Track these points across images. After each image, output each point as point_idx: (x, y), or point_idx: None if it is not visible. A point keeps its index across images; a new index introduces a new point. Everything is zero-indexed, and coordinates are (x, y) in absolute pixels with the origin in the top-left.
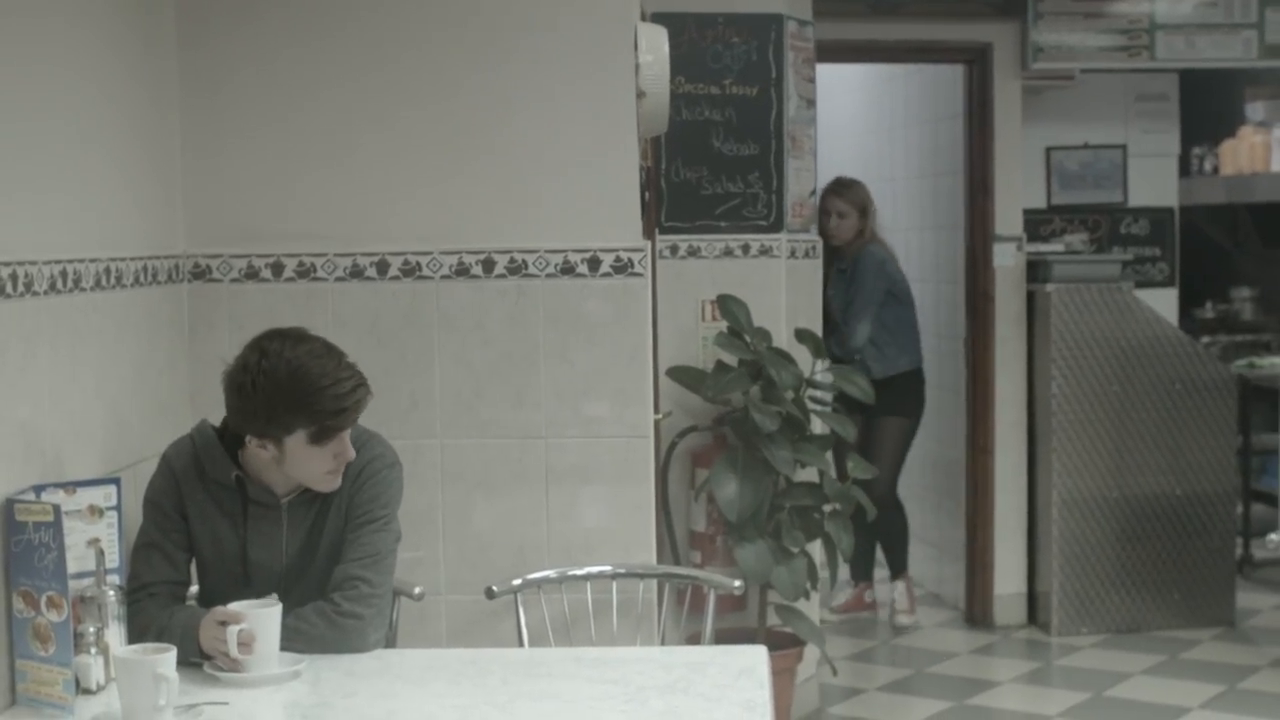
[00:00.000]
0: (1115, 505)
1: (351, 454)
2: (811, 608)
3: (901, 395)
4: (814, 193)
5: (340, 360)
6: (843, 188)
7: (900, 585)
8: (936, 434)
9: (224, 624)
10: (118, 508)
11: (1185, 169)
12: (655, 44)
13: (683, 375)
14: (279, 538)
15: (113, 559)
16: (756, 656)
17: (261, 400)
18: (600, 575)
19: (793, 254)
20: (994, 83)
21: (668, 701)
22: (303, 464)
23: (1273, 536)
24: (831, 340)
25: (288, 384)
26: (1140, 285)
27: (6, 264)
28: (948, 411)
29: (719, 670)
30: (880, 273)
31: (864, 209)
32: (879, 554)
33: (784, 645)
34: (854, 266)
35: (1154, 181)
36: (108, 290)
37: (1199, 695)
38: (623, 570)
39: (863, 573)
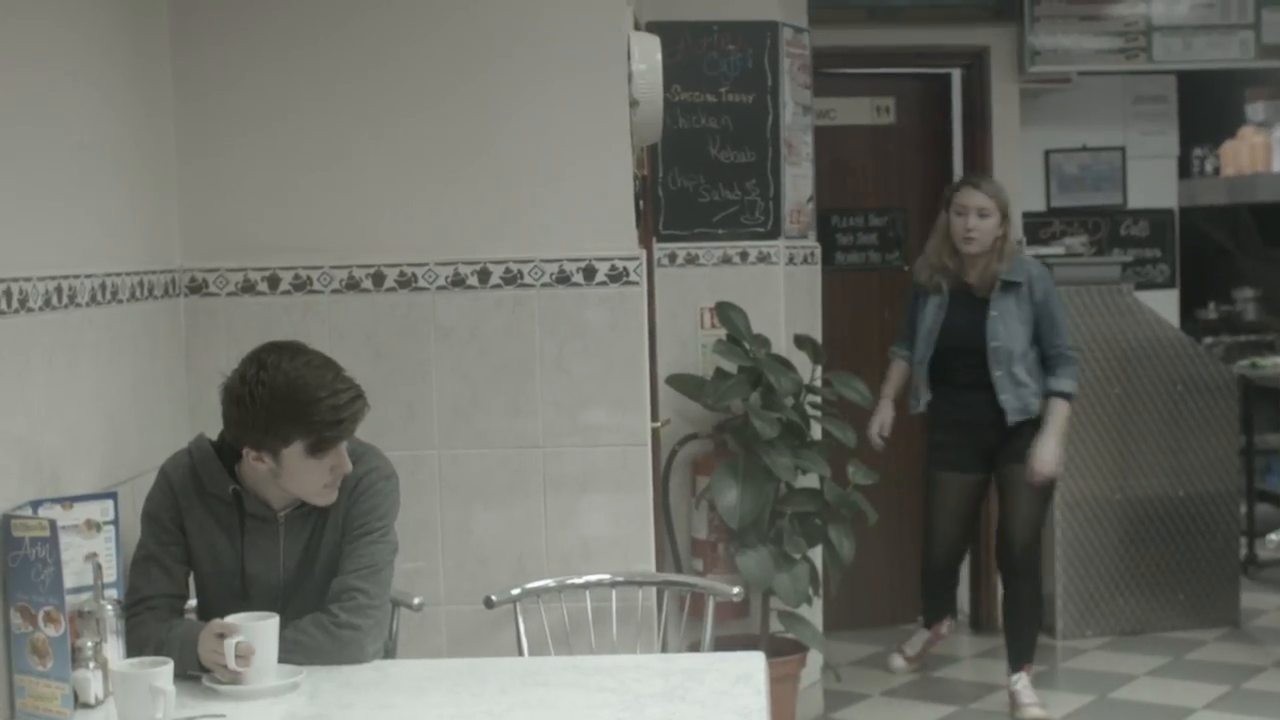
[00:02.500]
0: (1118, 507)
1: (348, 466)
2: (814, 613)
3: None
4: (811, 199)
5: (338, 373)
6: (981, 180)
7: (1023, 677)
8: None
9: (222, 636)
10: (115, 522)
11: (1186, 170)
12: (648, 53)
13: (682, 383)
14: (276, 551)
15: (110, 573)
16: (754, 663)
17: (259, 412)
18: (599, 584)
19: (791, 260)
20: (991, 86)
21: (665, 709)
22: (299, 477)
23: (1273, 536)
24: (1012, 379)
25: (285, 395)
26: (1141, 287)
27: (1, 280)
28: None
29: (716, 677)
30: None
31: (1006, 207)
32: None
33: (787, 651)
34: (1032, 285)
35: (1153, 183)
36: (104, 305)
37: (1204, 696)
38: (621, 578)
39: (936, 616)
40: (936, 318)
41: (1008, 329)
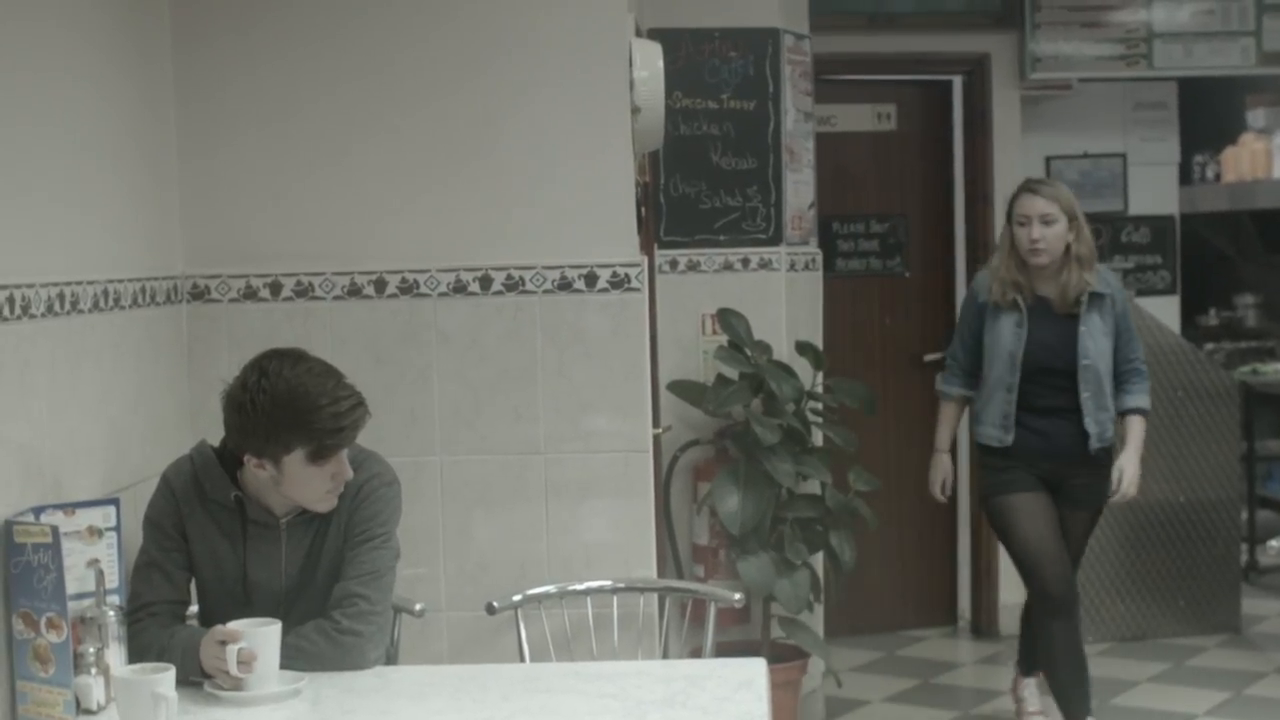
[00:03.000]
0: (1119, 512)
1: (349, 473)
2: (816, 619)
3: (1102, 474)
4: (812, 205)
5: (339, 380)
6: (1039, 184)
7: (1031, 683)
8: None
9: (224, 643)
10: (117, 528)
11: (1187, 176)
12: (650, 60)
13: (684, 389)
14: (278, 558)
15: (112, 579)
16: (755, 669)
17: (261, 418)
18: (601, 590)
19: (792, 266)
20: (993, 93)
21: (666, 715)
22: (300, 484)
23: (1273, 543)
24: (1097, 404)
25: (287, 402)
26: (1142, 293)
27: (4, 287)
28: None
29: (718, 683)
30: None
31: (1073, 210)
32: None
33: (788, 658)
34: (1114, 296)
35: (1154, 190)
36: (106, 312)
37: (1205, 702)
38: (623, 585)
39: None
40: (1017, 337)
41: (1097, 346)
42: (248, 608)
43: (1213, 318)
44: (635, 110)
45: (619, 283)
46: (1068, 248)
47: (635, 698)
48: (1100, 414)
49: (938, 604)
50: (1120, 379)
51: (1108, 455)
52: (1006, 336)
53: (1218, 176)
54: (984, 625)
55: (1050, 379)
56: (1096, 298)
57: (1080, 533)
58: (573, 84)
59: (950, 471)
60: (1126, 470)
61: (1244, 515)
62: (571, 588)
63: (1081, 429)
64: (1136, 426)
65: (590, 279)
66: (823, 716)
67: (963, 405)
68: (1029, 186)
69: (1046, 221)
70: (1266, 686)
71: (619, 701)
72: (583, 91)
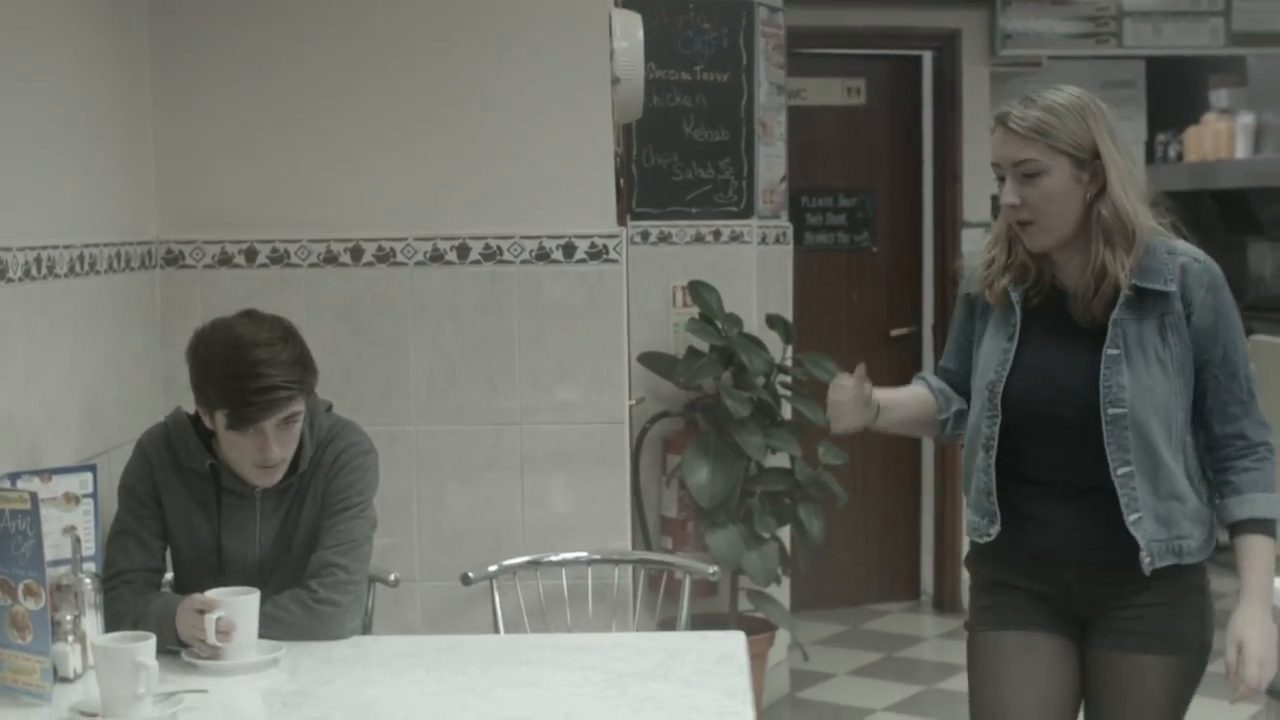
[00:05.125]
0: None
1: (273, 457)
2: (782, 592)
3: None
4: (784, 179)
5: (277, 357)
6: (1020, 108)
7: None
8: None
9: (202, 612)
10: (94, 495)
11: (1150, 155)
12: (630, 30)
13: (654, 361)
14: (253, 527)
15: (89, 547)
16: (735, 642)
17: (193, 367)
18: (576, 561)
19: (763, 240)
20: (962, 69)
21: (648, 688)
22: (229, 448)
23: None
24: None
25: (210, 360)
26: None
27: None
28: None
29: (698, 656)
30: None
31: (1080, 148)
32: None
33: (755, 630)
34: (1189, 294)
35: None
36: (81, 277)
37: None
38: (598, 556)
39: None
40: (1002, 360)
41: (1139, 381)
42: (221, 577)
43: None
44: (615, 80)
45: (597, 254)
46: (1093, 210)
47: (616, 670)
48: (1162, 506)
49: (901, 579)
50: (1220, 456)
51: (1196, 575)
52: (989, 357)
53: (1180, 156)
54: (946, 600)
55: (1059, 435)
56: (1149, 297)
57: (1153, 706)
58: (553, 53)
59: (858, 398)
60: (1248, 643)
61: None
62: (547, 559)
63: (1122, 528)
64: (1259, 554)
65: (568, 250)
66: (788, 689)
67: (937, 400)
68: (1000, 114)
69: (1027, 173)
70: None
71: (599, 674)
72: (563, 61)
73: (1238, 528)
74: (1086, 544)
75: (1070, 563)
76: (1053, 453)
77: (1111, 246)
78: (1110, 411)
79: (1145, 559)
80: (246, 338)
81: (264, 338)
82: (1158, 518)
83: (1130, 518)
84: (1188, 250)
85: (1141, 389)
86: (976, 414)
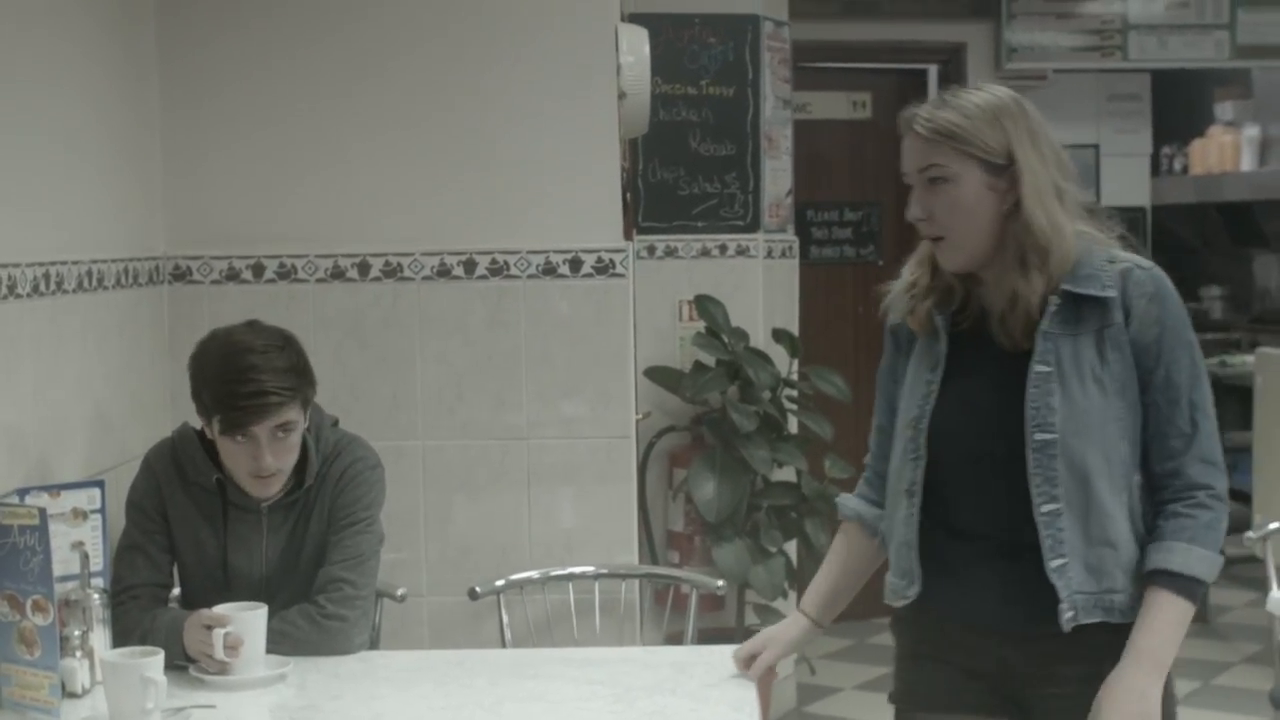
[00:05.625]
0: None
1: (267, 466)
2: (789, 606)
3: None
4: (790, 192)
5: (271, 363)
6: (923, 108)
7: None
8: None
9: (210, 627)
10: (102, 510)
11: (1156, 168)
12: (636, 45)
13: (660, 376)
14: (259, 542)
15: (97, 562)
16: None
17: (192, 375)
18: (583, 576)
19: (769, 254)
20: (968, 82)
21: (655, 702)
22: (226, 457)
23: (1250, 535)
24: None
25: (208, 364)
26: None
27: None
28: None
29: (706, 670)
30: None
31: (991, 150)
32: None
33: None
34: (1130, 304)
35: (1126, 181)
36: (89, 292)
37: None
38: (605, 571)
39: None
40: (926, 393)
41: (1072, 404)
42: (228, 592)
43: None
44: (622, 95)
45: (603, 268)
46: (1000, 223)
47: (623, 684)
48: (1093, 553)
49: None
50: (1156, 499)
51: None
52: (912, 391)
53: (1185, 169)
54: None
55: (991, 477)
56: (1089, 309)
57: None
58: (559, 68)
59: (775, 652)
60: (1105, 704)
61: None
62: (553, 573)
63: (1044, 579)
64: (1159, 612)
65: (575, 264)
66: (795, 703)
67: (865, 534)
68: (906, 117)
69: (933, 179)
70: (1234, 676)
71: (608, 688)
72: (569, 76)
73: (1156, 577)
74: (1024, 612)
75: (1004, 633)
76: (983, 499)
77: (1024, 266)
78: (1037, 438)
79: (1066, 613)
80: (243, 344)
81: (260, 345)
82: (1087, 566)
83: (1052, 563)
84: (1131, 258)
85: (1075, 412)
86: (899, 457)
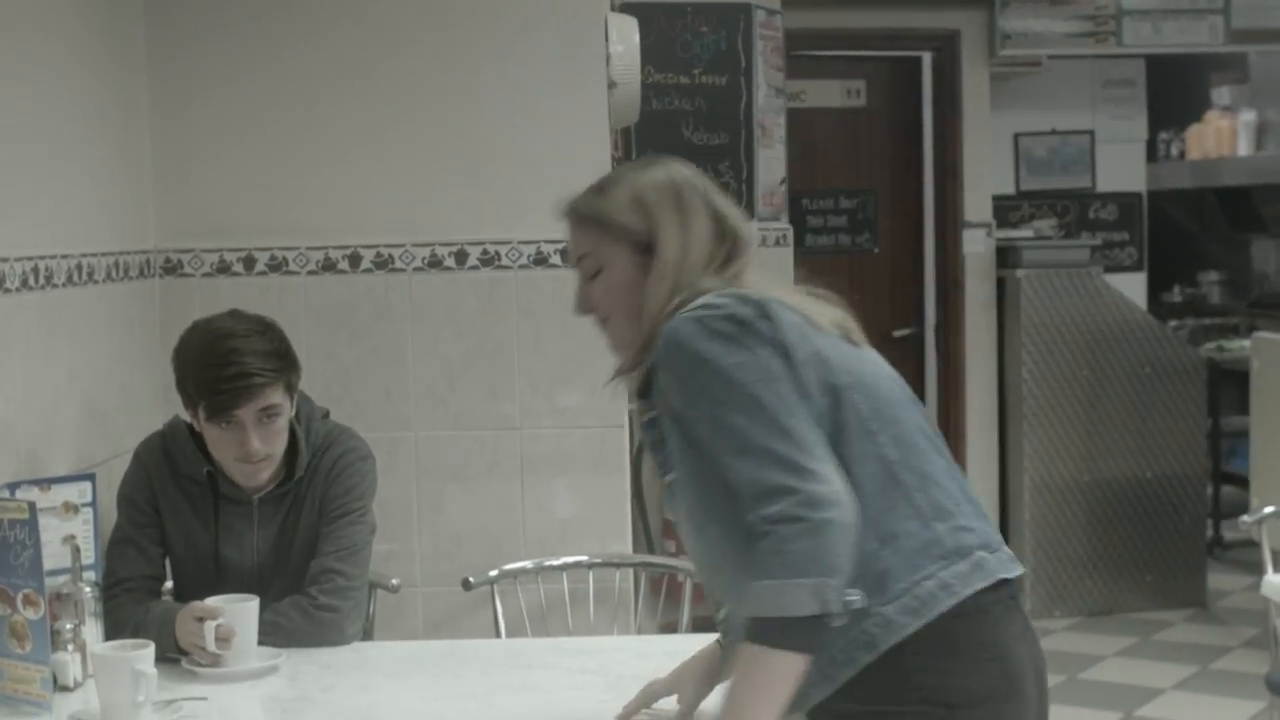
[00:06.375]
0: (1086, 489)
1: (254, 451)
2: None
3: None
4: (784, 181)
5: (252, 346)
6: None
7: None
8: None
9: (202, 619)
10: (93, 504)
11: (1152, 154)
12: (626, 34)
13: None
14: (250, 534)
15: (88, 555)
16: None
17: (175, 365)
18: (577, 565)
19: (764, 242)
20: (962, 69)
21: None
22: (213, 446)
23: (1245, 518)
24: None
25: (190, 351)
26: (1109, 270)
27: None
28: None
29: None
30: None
31: (603, 221)
32: None
33: None
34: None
35: (1122, 167)
36: (79, 286)
37: (1172, 676)
38: (599, 560)
39: None
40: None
41: (676, 487)
42: (220, 584)
43: (1177, 294)
44: (612, 85)
45: None
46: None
47: (616, 673)
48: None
49: None
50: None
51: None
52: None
53: (1182, 154)
54: None
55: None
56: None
57: None
58: (549, 58)
59: (700, 691)
60: None
61: (1209, 491)
62: (547, 563)
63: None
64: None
65: (566, 254)
66: None
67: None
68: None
69: (586, 269)
70: (1232, 660)
71: (600, 677)
72: (559, 66)
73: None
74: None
75: None
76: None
77: (628, 326)
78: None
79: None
80: (224, 330)
81: (241, 329)
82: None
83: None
84: (688, 314)
85: (680, 495)
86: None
